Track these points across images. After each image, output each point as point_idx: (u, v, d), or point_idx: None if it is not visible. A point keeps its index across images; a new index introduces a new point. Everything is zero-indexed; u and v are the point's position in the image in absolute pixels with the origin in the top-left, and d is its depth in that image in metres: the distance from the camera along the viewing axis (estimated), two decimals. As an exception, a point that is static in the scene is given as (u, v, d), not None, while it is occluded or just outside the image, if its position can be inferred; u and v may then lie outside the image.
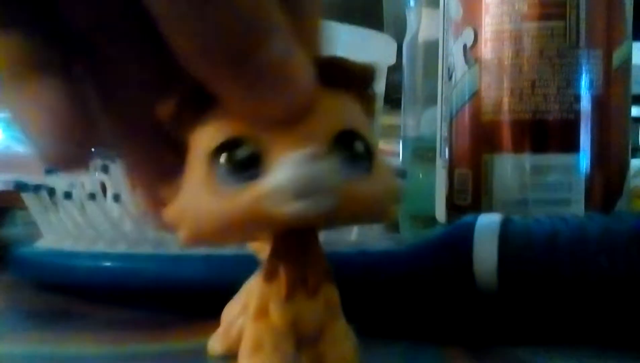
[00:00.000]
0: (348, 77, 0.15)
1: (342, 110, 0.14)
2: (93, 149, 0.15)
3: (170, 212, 0.14)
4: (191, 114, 0.14)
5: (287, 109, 0.13)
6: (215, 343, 0.18)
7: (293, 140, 0.13)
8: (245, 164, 0.13)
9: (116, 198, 0.25)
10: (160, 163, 0.15)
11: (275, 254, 0.15)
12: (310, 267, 0.15)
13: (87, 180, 0.27)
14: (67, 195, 0.25)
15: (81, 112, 0.14)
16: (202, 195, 0.14)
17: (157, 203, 0.15)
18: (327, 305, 0.15)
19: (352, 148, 0.14)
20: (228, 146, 0.13)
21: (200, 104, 0.14)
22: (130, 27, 0.15)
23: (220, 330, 0.18)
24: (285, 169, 0.13)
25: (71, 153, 0.14)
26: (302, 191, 0.13)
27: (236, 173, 0.13)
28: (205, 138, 0.14)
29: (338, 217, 0.15)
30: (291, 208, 0.13)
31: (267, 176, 0.13)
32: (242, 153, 0.13)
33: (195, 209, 0.14)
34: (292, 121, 0.13)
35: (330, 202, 0.13)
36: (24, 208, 0.34)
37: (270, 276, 0.15)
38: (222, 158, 0.13)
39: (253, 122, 0.13)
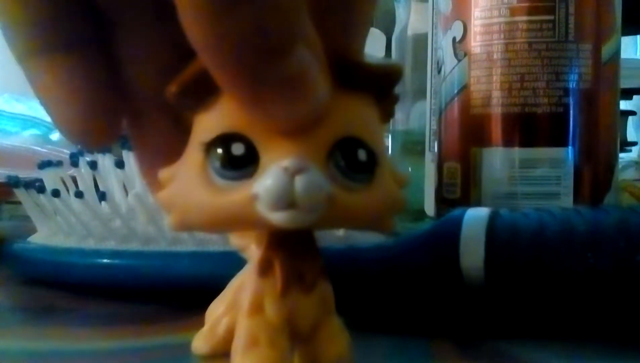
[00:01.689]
0: (369, 79, 0.14)
1: (350, 115, 0.14)
2: (115, 126, 0.15)
3: (163, 195, 0.14)
4: (194, 99, 0.14)
5: (298, 119, 0.13)
6: (200, 343, 0.17)
7: (289, 144, 0.13)
8: (240, 161, 0.13)
9: (103, 196, 0.25)
10: (169, 144, 0.15)
11: (269, 249, 0.15)
12: (306, 263, 0.15)
13: (78, 176, 0.27)
14: (55, 193, 0.25)
15: (102, 87, 0.14)
16: (194, 184, 0.14)
17: (157, 183, 0.15)
18: (322, 301, 0.15)
19: (353, 156, 0.14)
20: (225, 139, 0.13)
21: (204, 90, 0.13)
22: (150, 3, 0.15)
23: (205, 329, 0.18)
24: (269, 178, 0.13)
25: (94, 129, 0.14)
26: (277, 204, 0.13)
27: (230, 168, 0.13)
28: (203, 127, 0.14)
29: (328, 225, 0.15)
30: (271, 217, 0.13)
31: (258, 179, 0.13)
32: (237, 149, 0.13)
33: (186, 197, 0.14)
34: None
35: (310, 216, 0.13)
36: (12, 201, 0.33)
37: (264, 271, 0.15)
38: (218, 151, 0.13)
39: (256, 122, 0.13)
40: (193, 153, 0.14)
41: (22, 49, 0.14)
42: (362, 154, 0.14)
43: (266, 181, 0.13)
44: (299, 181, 0.13)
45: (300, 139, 0.13)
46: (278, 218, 0.13)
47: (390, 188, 0.15)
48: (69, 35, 0.14)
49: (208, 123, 0.14)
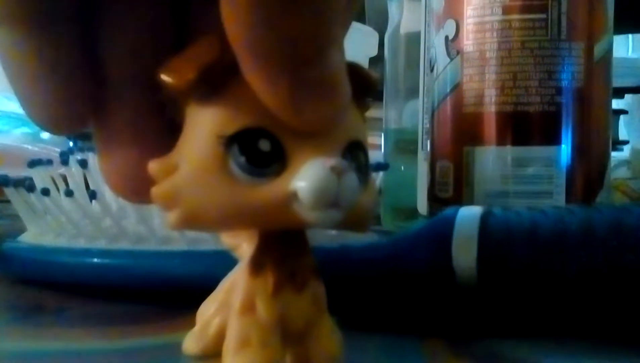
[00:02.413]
0: (361, 85, 0.14)
1: (352, 119, 0.14)
2: (85, 112, 0.14)
3: (162, 190, 0.13)
4: (208, 88, 0.13)
5: (327, 121, 0.13)
6: (191, 343, 0.17)
7: (317, 145, 0.13)
8: (266, 157, 0.13)
9: (93, 195, 0.25)
10: (148, 135, 0.14)
11: (261, 248, 0.15)
12: (298, 262, 0.15)
13: (69, 175, 0.27)
14: (45, 192, 0.25)
15: (74, 67, 0.14)
16: (209, 180, 0.13)
17: (138, 178, 0.14)
18: (314, 300, 0.15)
19: (357, 159, 0.14)
20: (248, 134, 0.13)
21: (223, 79, 0.13)
22: None
23: (196, 329, 0.17)
24: (315, 177, 0.12)
25: (66, 114, 0.14)
26: (322, 203, 0.12)
27: (255, 164, 0.13)
28: (218, 119, 0.13)
29: (341, 225, 0.15)
30: (309, 216, 0.13)
31: (293, 178, 0.13)
32: (264, 145, 0.13)
33: (198, 192, 0.13)
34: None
35: (341, 215, 0.13)
36: (1, 200, 0.33)
37: (256, 271, 0.15)
38: (241, 146, 0.13)
39: (281, 119, 0.13)
40: (204, 145, 0.13)
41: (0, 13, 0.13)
42: (362, 157, 0.14)
43: (311, 180, 0.12)
44: (345, 182, 0.13)
45: (325, 140, 0.13)
46: (317, 217, 0.13)
47: (373, 188, 0.15)
48: (49, 8, 0.13)
49: (227, 115, 0.13)
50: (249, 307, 0.14)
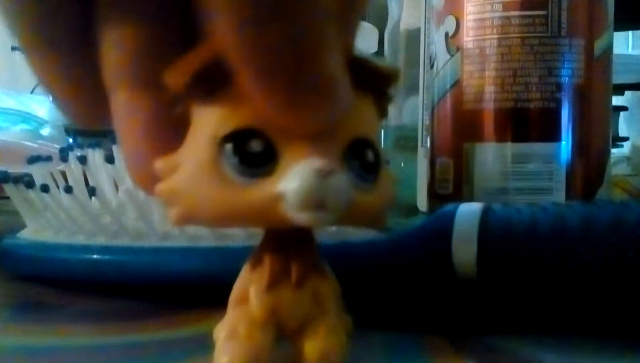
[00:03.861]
0: (373, 79, 0.14)
1: (360, 116, 0.14)
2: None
3: (164, 188, 0.14)
4: (205, 89, 0.13)
5: (323, 122, 0.13)
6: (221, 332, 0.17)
7: (312, 146, 0.13)
8: (258, 158, 0.13)
9: (93, 191, 0.24)
10: (157, 133, 0.14)
11: (263, 243, 0.15)
12: (298, 258, 0.15)
13: (68, 171, 0.27)
14: (44, 188, 0.25)
15: (94, 72, 0.14)
16: (203, 178, 0.13)
17: (149, 175, 0.14)
18: (315, 298, 0.15)
19: (363, 157, 0.14)
20: (241, 135, 0.13)
21: (217, 80, 0.13)
22: None
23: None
24: (300, 179, 0.13)
25: (90, 113, 0.15)
26: (308, 205, 0.13)
27: (248, 165, 0.13)
28: (214, 120, 0.13)
29: (340, 224, 0.16)
30: (297, 217, 0.13)
31: (281, 179, 0.13)
32: (256, 145, 0.13)
33: (194, 192, 0.13)
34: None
35: (334, 216, 0.13)
36: (1, 196, 0.33)
37: (255, 264, 0.15)
38: (234, 147, 0.13)
39: (274, 120, 0.13)
40: (202, 145, 0.13)
41: (28, 41, 0.15)
42: (370, 155, 0.14)
43: (296, 182, 0.13)
44: (331, 184, 0.13)
45: (320, 141, 0.13)
46: (304, 218, 0.13)
47: (388, 186, 0.15)
48: (66, 33, 0.14)
49: (221, 116, 0.13)
50: (242, 299, 0.15)
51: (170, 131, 0.14)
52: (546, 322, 0.20)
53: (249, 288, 0.15)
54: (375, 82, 0.14)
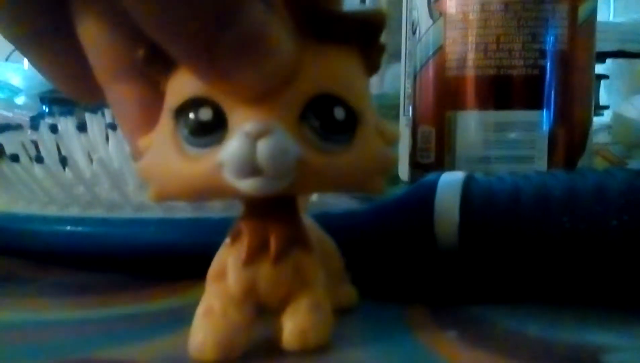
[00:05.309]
0: (349, 29, 0.13)
1: (325, 71, 0.13)
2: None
3: (141, 166, 0.14)
4: (162, 62, 0.13)
5: (262, 82, 0.12)
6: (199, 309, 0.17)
7: (256, 108, 0.12)
8: (208, 127, 0.13)
9: (64, 161, 0.24)
10: (151, 117, 0.14)
11: (242, 216, 0.14)
12: (276, 230, 0.14)
13: (39, 140, 0.26)
14: (15, 158, 0.24)
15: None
16: (167, 153, 0.13)
17: (139, 151, 0.14)
18: (297, 273, 0.14)
19: (329, 115, 0.13)
20: (192, 104, 0.13)
21: (167, 59, 0.13)
22: None
23: None
24: (231, 145, 0.12)
25: (84, 89, 0.16)
26: (241, 171, 0.12)
27: (199, 134, 0.13)
28: (172, 92, 0.13)
29: (303, 191, 0.15)
30: (238, 185, 0.12)
31: (224, 146, 0.12)
32: (205, 114, 0.13)
33: (161, 166, 0.13)
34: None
35: (279, 182, 0.12)
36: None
37: (234, 238, 0.14)
38: (187, 117, 0.13)
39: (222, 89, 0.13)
40: (165, 120, 0.13)
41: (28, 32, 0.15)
42: (339, 113, 0.13)
43: (229, 148, 0.12)
44: (261, 146, 0.12)
45: (268, 101, 0.12)
46: (245, 186, 0.12)
47: (375, 146, 0.14)
48: (40, 29, 0.15)
49: (177, 88, 0.13)
50: (219, 275, 0.14)
51: (159, 113, 0.14)
52: (528, 292, 0.20)
53: (227, 263, 0.14)
54: (360, 33, 0.14)
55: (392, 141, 0.14)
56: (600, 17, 0.32)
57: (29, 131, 0.26)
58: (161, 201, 0.14)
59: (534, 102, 0.30)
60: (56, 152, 0.25)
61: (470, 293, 0.20)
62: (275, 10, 0.12)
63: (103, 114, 0.26)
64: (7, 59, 0.89)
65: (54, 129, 0.25)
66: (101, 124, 0.26)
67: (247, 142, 0.12)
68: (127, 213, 0.23)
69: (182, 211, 0.22)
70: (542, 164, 0.30)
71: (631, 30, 0.73)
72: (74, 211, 0.24)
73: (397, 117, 0.40)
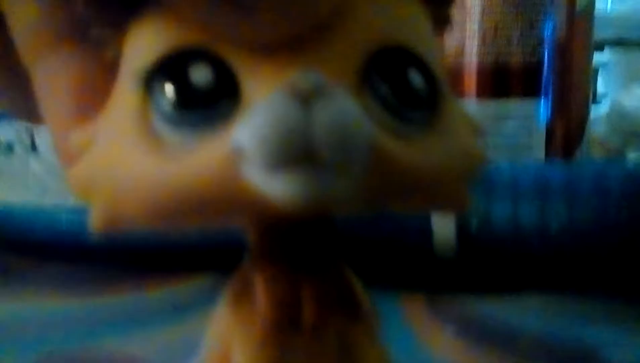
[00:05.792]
0: None
1: (387, 14, 0.08)
2: None
3: (77, 174, 0.08)
4: (112, 15, 0.08)
5: (293, 24, 0.07)
6: None
7: (293, 60, 0.07)
8: (206, 94, 0.07)
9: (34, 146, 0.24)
10: (84, 91, 0.09)
11: (253, 258, 0.09)
12: (310, 288, 0.09)
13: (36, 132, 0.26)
14: (9, 147, 0.24)
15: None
16: (129, 146, 0.08)
17: (70, 153, 0.09)
18: (343, 347, 0.09)
19: (402, 79, 0.08)
20: (178, 61, 0.08)
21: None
22: None
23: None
24: (261, 113, 0.07)
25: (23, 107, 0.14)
26: (279, 155, 0.07)
27: (190, 108, 0.07)
28: (137, 51, 0.08)
29: (370, 197, 0.08)
30: (272, 186, 0.07)
31: (241, 122, 0.07)
32: (200, 74, 0.07)
33: (117, 169, 0.08)
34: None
35: (345, 179, 0.07)
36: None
37: (239, 296, 0.09)
38: (169, 82, 0.07)
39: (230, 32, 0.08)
40: (122, 99, 0.08)
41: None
42: (415, 78, 0.08)
43: (257, 120, 0.07)
44: (320, 110, 0.07)
45: (308, 53, 0.08)
46: (282, 187, 0.07)
47: (463, 134, 0.09)
48: None
49: (146, 42, 0.08)
50: (222, 359, 0.09)
51: (103, 92, 0.09)
52: (526, 284, 0.20)
53: (232, 344, 0.09)
54: None
55: (479, 130, 0.09)
56: (599, 5, 0.32)
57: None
58: (114, 231, 0.08)
59: (532, 90, 0.29)
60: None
61: (467, 283, 0.20)
62: None
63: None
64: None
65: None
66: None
67: (293, 103, 0.07)
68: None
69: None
70: (540, 153, 0.29)
71: (630, 18, 0.72)
72: (70, 202, 0.23)
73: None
